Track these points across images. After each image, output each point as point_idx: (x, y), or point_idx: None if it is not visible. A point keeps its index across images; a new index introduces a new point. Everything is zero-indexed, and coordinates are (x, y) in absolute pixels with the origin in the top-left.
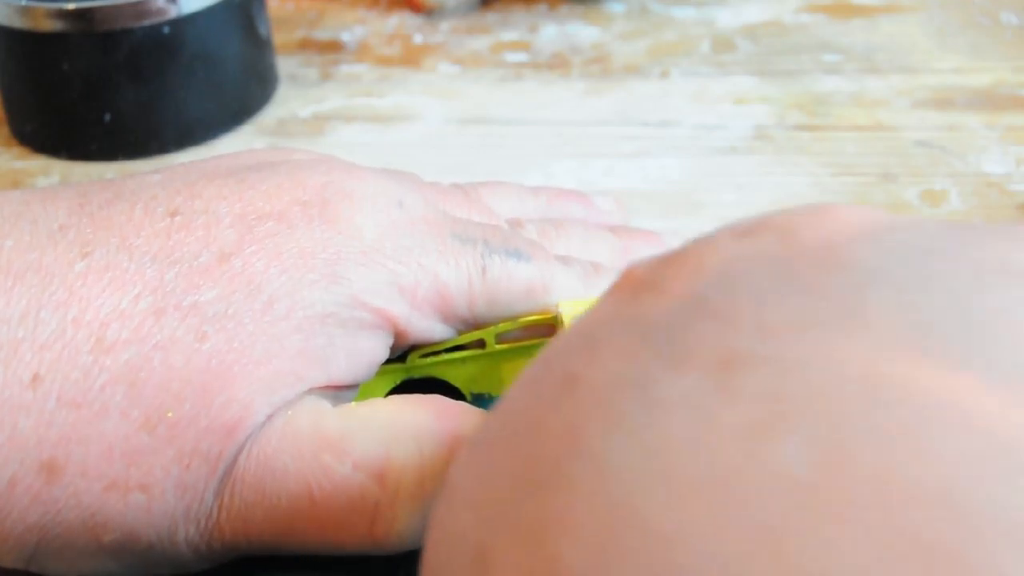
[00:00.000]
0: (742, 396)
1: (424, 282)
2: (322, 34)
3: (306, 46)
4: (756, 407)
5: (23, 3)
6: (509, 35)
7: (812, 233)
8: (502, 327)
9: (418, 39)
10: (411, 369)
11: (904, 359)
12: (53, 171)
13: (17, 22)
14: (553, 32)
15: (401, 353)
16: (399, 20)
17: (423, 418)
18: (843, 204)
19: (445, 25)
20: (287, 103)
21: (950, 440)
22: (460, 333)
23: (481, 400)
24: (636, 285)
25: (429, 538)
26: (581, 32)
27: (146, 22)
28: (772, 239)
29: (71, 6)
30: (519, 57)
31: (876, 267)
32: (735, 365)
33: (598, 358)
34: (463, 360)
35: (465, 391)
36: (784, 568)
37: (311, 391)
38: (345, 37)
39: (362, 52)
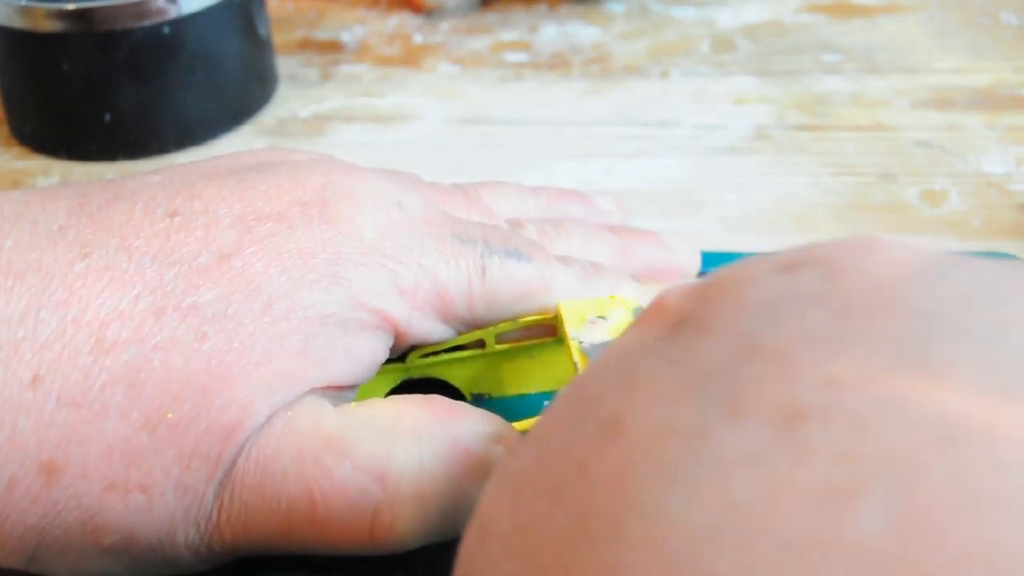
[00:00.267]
0: (813, 455)
1: (424, 282)
2: (322, 34)
3: (306, 46)
4: (829, 467)
5: (23, 3)
6: (509, 35)
7: (859, 272)
8: (502, 327)
9: (418, 39)
10: (411, 369)
11: (982, 409)
12: (53, 171)
13: (17, 22)
14: (553, 32)
15: (401, 353)
16: (399, 20)
17: (423, 419)
18: (883, 237)
19: (445, 25)
20: (287, 103)
21: None
22: (460, 333)
23: (481, 400)
24: (672, 319)
25: (459, 572)
26: (581, 32)
27: (146, 22)
28: (816, 276)
29: (71, 6)
30: (519, 57)
31: (936, 313)
32: (801, 419)
33: (641, 400)
34: (463, 360)
35: (465, 391)
36: None
37: (311, 392)
38: (345, 37)
39: (362, 52)
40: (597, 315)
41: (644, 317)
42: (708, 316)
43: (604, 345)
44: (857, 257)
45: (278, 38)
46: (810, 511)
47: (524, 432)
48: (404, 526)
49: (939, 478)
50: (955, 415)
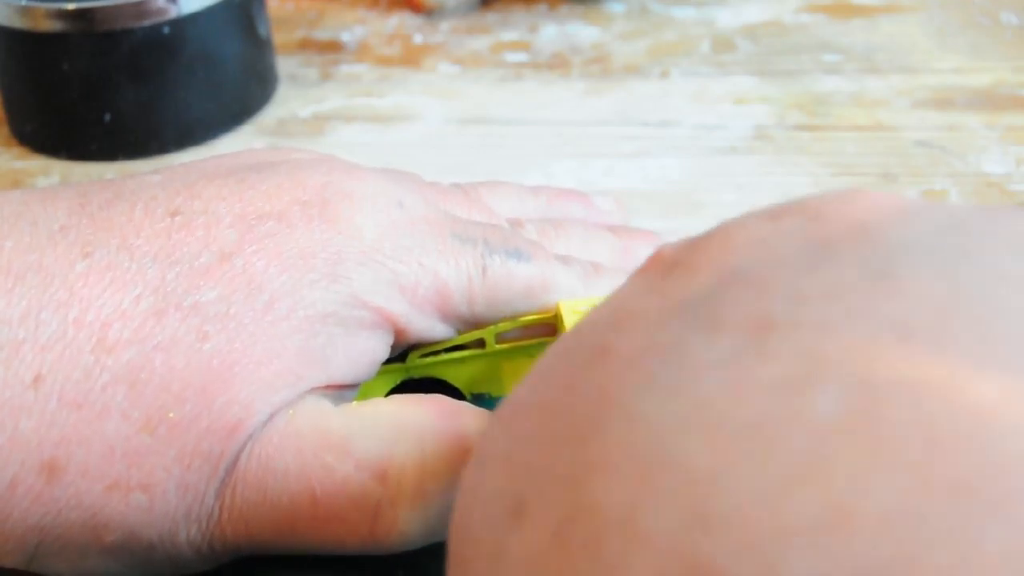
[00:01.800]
0: (777, 355)
1: (424, 281)
2: (322, 34)
3: (306, 46)
4: (791, 364)
5: (23, 3)
6: (509, 35)
7: (843, 214)
8: (502, 327)
9: (418, 39)
10: (411, 369)
11: (932, 317)
12: (53, 171)
13: (17, 22)
14: (553, 32)
15: (401, 353)
16: (399, 20)
17: (424, 418)
18: (869, 190)
19: (445, 25)
20: (287, 103)
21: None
22: (460, 333)
23: (481, 400)
24: (665, 264)
25: (459, 502)
26: (581, 32)
27: (146, 22)
28: (802, 220)
29: (71, 6)
30: (519, 57)
31: (908, 240)
32: (770, 328)
33: (629, 330)
34: (463, 360)
35: (465, 391)
36: (819, 500)
37: (312, 391)
38: (345, 37)
39: (362, 52)
40: None
41: (641, 267)
42: (696, 259)
43: None
44: (840, 203)
45: (278, 38)
46: (770, 397)
47: None
48: (405, 525)
49: (889, 370)
50: (908, 320)
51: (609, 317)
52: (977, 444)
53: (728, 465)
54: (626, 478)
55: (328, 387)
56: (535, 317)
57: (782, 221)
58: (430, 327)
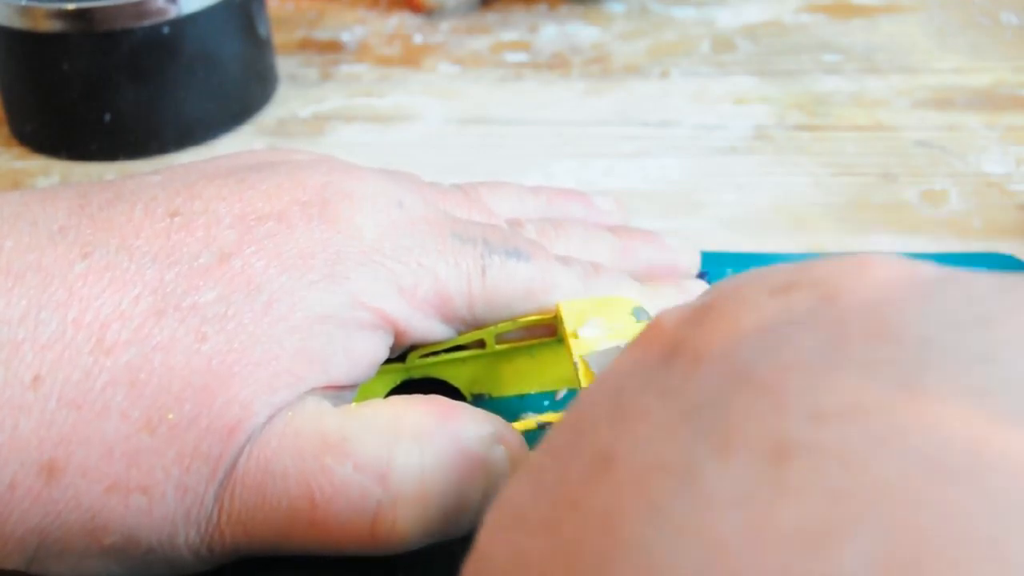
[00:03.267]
0: (798, 492)
1: (424, 282)
2: (322, 34)
3: (306, 46)
4: (814, 505)
5: (23, 3)
6: (509, 35)
7: (853, 293)
8: (502, 327)
9: (418, 39)
10: (411, 369)
11: (973, 438)
12: (53, 171)
13: (17, 22)
14: (553, 32)
15: (401, 353)
16: (399, 20)
17: (424, 419)
18: (879, 256)
19: (445, 25)
20: (287, 103)
21: None
22: (460, 333)
23: (481, 400)
24: (666, 345)
25: None
26: (581, 32)
27: (146, 22)
28: (811, 299)
29: (71, 6)
30: (519, 57)
31: (927, 336)
32: (787, 455)
33: (632, 433)
34: (463, 360)
35: (465, 391)
36: None
37: (311, 392)
38: (345, 37)
39: (362, 52)
40: (597, 316)
41: (640, 341)
42: (701, 343)
43: (606, 353)
44: (849, 278)
45: (278, 38)
46: (793, 551)
47: (524, 432)
48: (405, 526)
49: (927, 517)
50: (945, 447)
51: (609, 411)
52: None
53: None
54: None
55: (327, 388)
56: (535, 318)
57: (791, 297)
58: (430, 327)
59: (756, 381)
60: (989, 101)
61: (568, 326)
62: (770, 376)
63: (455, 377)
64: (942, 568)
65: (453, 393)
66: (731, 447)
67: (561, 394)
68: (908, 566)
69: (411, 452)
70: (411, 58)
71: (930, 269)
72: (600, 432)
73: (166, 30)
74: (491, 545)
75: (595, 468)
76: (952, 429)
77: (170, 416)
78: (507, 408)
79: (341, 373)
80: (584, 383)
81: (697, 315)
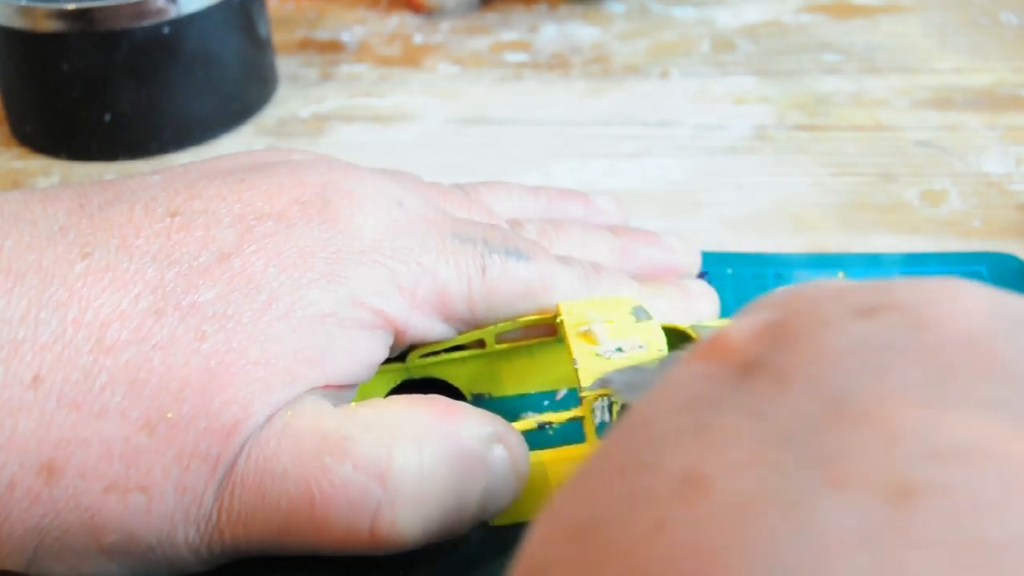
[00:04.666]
0: (928, 540)
1: (424, 282)
2: (322, 34)
3: (306, 46)
4: (947, 555)
5: (23, 3)
6: (509, 35)
7: (945, 322)
8: (502, 327)
9: (418, 39)
10: (411, 369)
11: None
12: (53, 171)
13: (17, 22)
14: (553, 32)
15: (401, 353)
16: (399, 20)
17: (424, 419)
18: (965, 283)
19: (445, 25)
20: (287, 103)
21: None
22: (460, 333)
23: (481, 400)
24: (739, 361)
25: None
26: (581, 32)
27: (146, 22)
28: (901, 324)
29: (71, 6)
30: (519, 57)
31: None
32: (909, 495)
33: (723, 457)
34: (463, 360)
35: (465, 391)
36: None
37: (310, 391)
38: (345, 37)
39: (362, 52)
40: (597, 316)
41: (704, 354)
42: (784, 364)
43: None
44: (941, 305)
45: (278, 38)
46: None
47: (524, 432)
48: (404, 526)
49: None
50: None
51: (689, 427)
52: None
53: None
54: None
55: (327, 387)
56: (535, 317)
57: (875, 322)
58: (429, 327)
59: (860, 411)
60: (989, 101)
61: (568, 326)
62: (875, 407)
63: (455, 377)
64: None
65: (453, 393)
66: (843, 481)
67: (561, 394)
68: None
69: (411, 452)
70: (411, 58)
71: (1016, 300)
72: (680, 449)
73: (166, 30)
74: (550, 552)
75: (683, 490)
76: None
77: (169, 416)
78: (507, 408)
79: (340, 373)
80: (584, 383)
81: (772, 332)
